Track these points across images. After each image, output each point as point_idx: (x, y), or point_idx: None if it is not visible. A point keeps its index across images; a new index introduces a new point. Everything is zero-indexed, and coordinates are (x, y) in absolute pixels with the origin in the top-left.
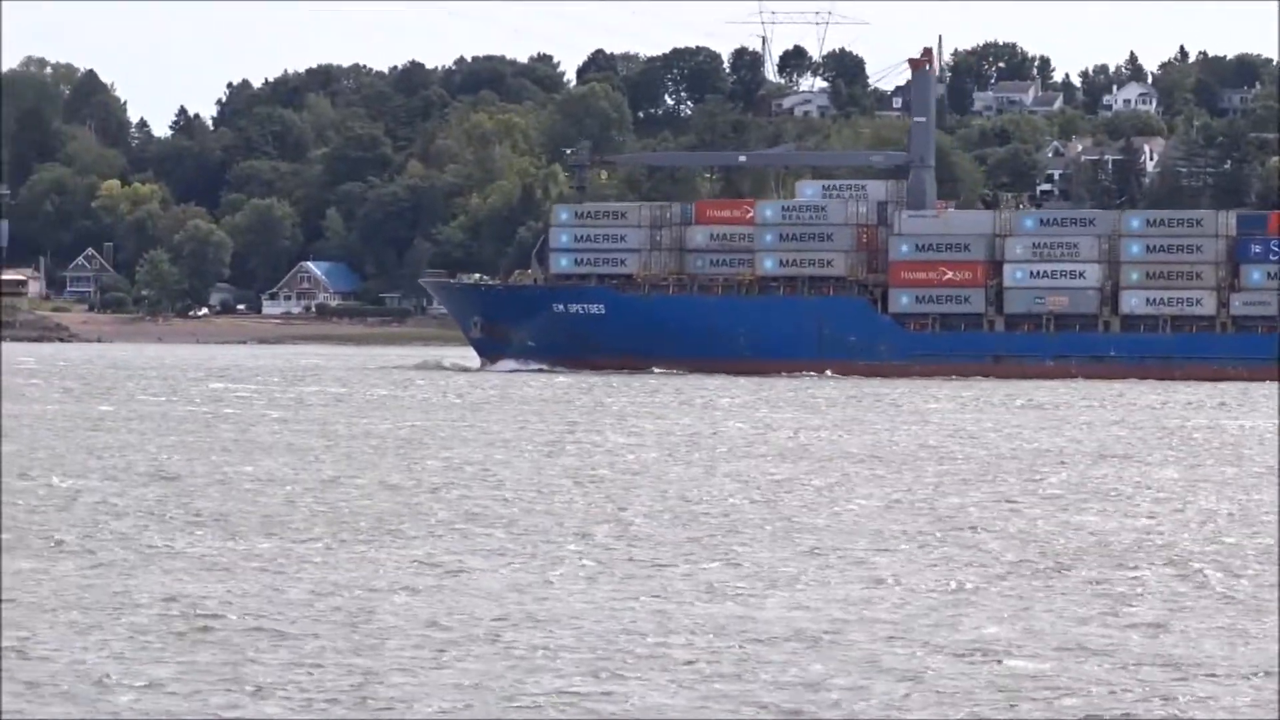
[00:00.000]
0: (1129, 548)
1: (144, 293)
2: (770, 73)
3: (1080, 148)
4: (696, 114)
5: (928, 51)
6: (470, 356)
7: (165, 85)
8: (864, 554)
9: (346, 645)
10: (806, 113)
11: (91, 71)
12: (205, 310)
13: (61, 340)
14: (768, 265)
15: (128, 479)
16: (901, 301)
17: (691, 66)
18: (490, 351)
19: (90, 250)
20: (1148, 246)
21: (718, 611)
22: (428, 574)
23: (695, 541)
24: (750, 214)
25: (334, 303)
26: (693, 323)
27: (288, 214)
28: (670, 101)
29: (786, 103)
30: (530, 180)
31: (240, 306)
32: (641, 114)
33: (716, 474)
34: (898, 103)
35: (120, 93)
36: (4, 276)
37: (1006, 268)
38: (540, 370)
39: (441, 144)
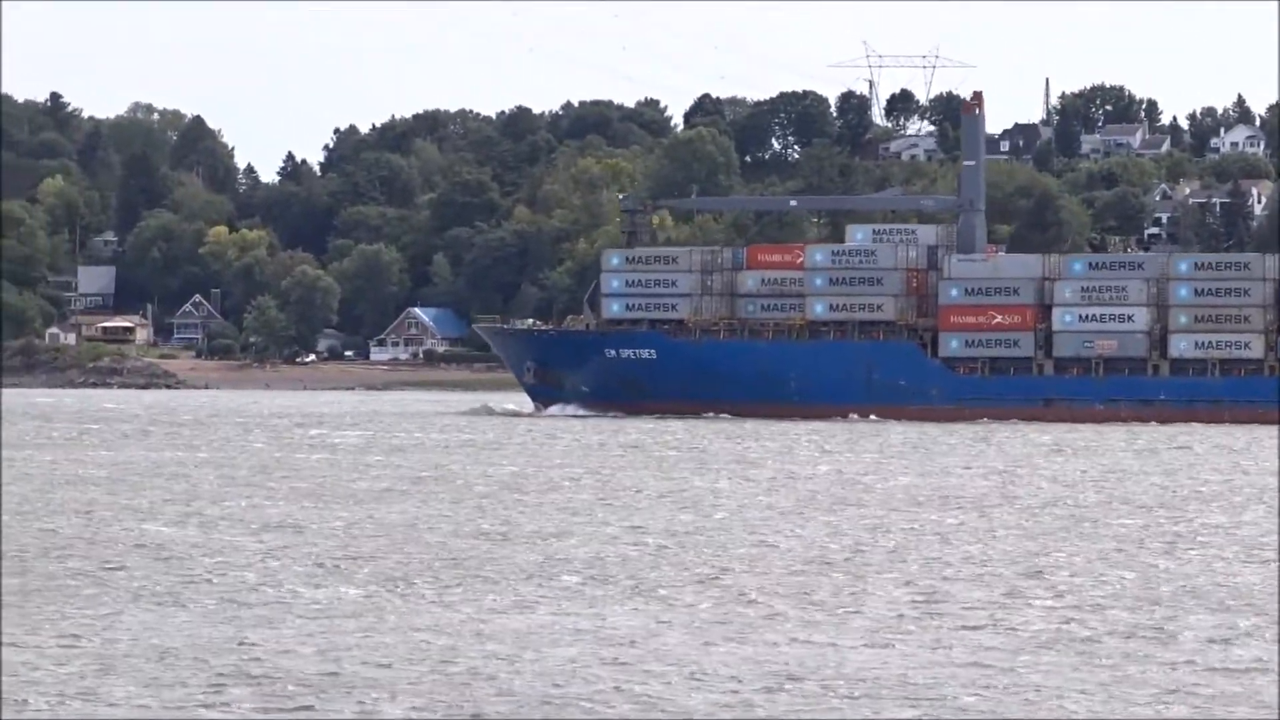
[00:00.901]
0: None
1: (251, 339)
2: (877, 116)
3: (1188, 190)
4: (804, 158)
5: (977, 95)
6: (522, 401)
7: (273, 131)
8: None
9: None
10: (914, 156)
11: (199, 117)
12: (312, 357)
13: (169, 387)
14: (818, 310)
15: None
16: (951, 345)
17: (798, 110)
18: (543, 396)
19: (198, 297)
20: (1196, 290)
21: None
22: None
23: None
24: (801, 259)
25: (441, 348)
26: (744, 367)
27: (395, 259)
28: (777, 145)
29: (894, 146)
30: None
31: (348, 353)
32: (749, 158)
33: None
34: (1005, 145)
35: (227, 138)
36: (111, 323)
37: (1055, 311)
38: (592, 416)
39: (548, 189)
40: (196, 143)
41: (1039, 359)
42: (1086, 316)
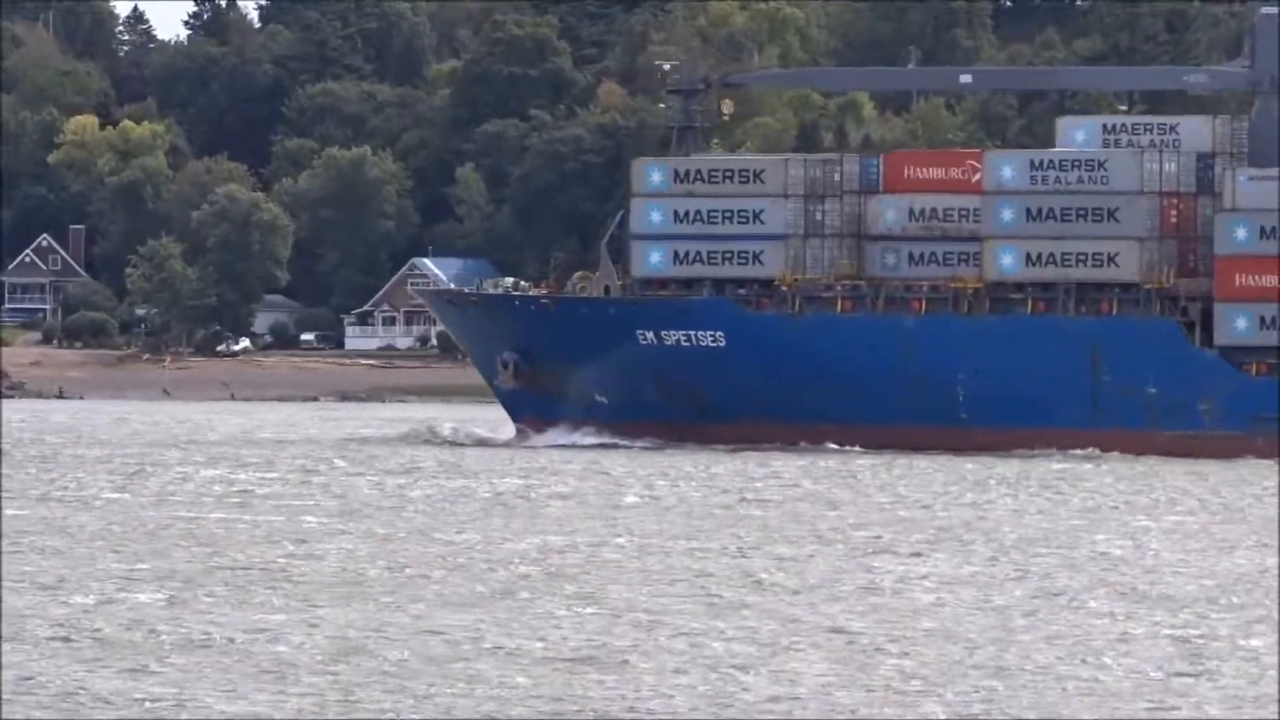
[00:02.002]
0: None
1: (140, 313)
2: None
3: None
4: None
5: None
6: (493, 420)
7: None
8: None
9: None
10: None
11: None
12: (244, 343)
13: None
14: (1005, 263)
15: None
16: (1236, 326)
17: None
18: (530, 411)
19: (46, 239)
20: None
21: None
22: None
23: None
24: (977, 175)
25: None
26: (877, 362)
27: (390, 174)
28: None
29: None
30: (814, 116)
31: (306, 337)
32: (1008, 1)
33: None
34: None
35: None
36: None
37: None
38: (615, 445)
39: (657, 53)
40: None
41: None
42: None
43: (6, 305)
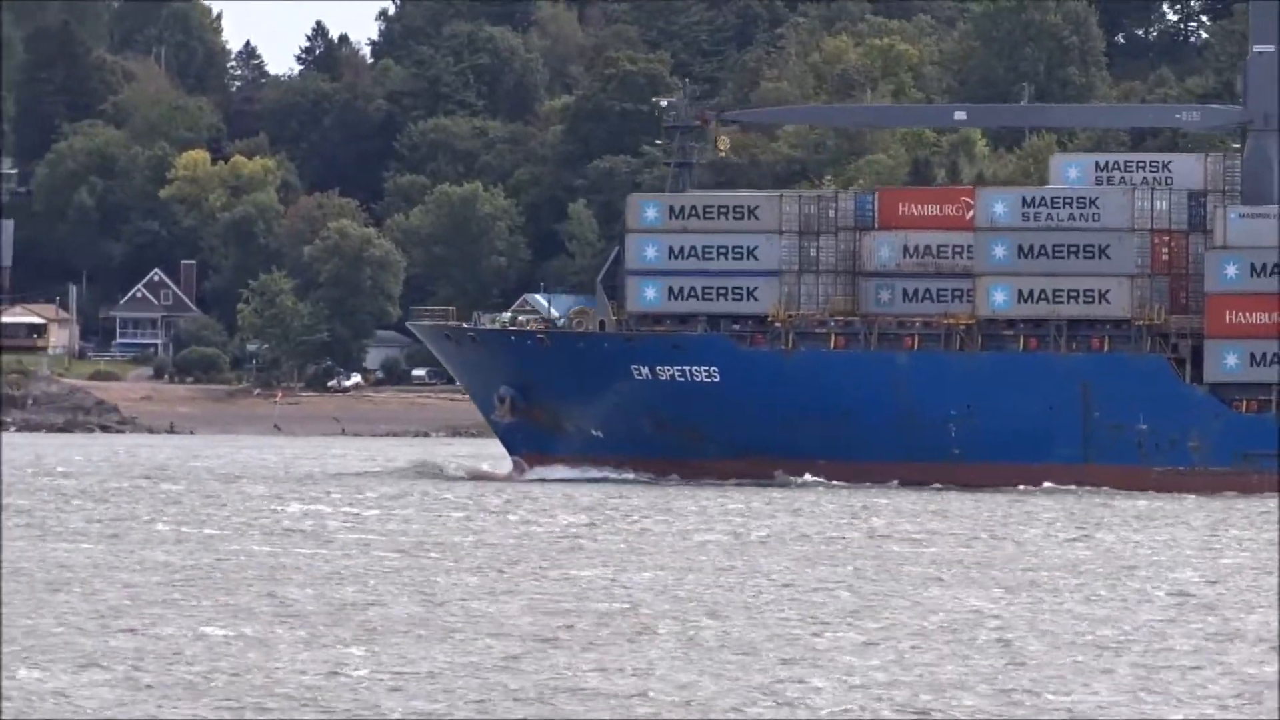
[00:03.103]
0: None
1: (251, 348)
2: None
3: None
4: (1217, 36)
5: None
6: (490, 454)
7: None
8: None
9: None
10: None
11: None
12: (356, 379)
13: (105, 429)
14: (997, 300)
15: None
16: (1226, 363)
17: None
18: (527, 446)
19: (157, 273)
20: None
21: None
22: None
23: None
24: (970, 212)
25: None
26: (871, 399)
27: (502, 210)
28: (1171, 15)
29: None
30: (927, 153)
31: (418, 372)
32: (1121, 37)
33: None
34: None
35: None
36: (6, 318)
37: None
38: (610, 480)
39: (770, 89)
40: (156, 7)
41: None
42: None
43: (118, 340)
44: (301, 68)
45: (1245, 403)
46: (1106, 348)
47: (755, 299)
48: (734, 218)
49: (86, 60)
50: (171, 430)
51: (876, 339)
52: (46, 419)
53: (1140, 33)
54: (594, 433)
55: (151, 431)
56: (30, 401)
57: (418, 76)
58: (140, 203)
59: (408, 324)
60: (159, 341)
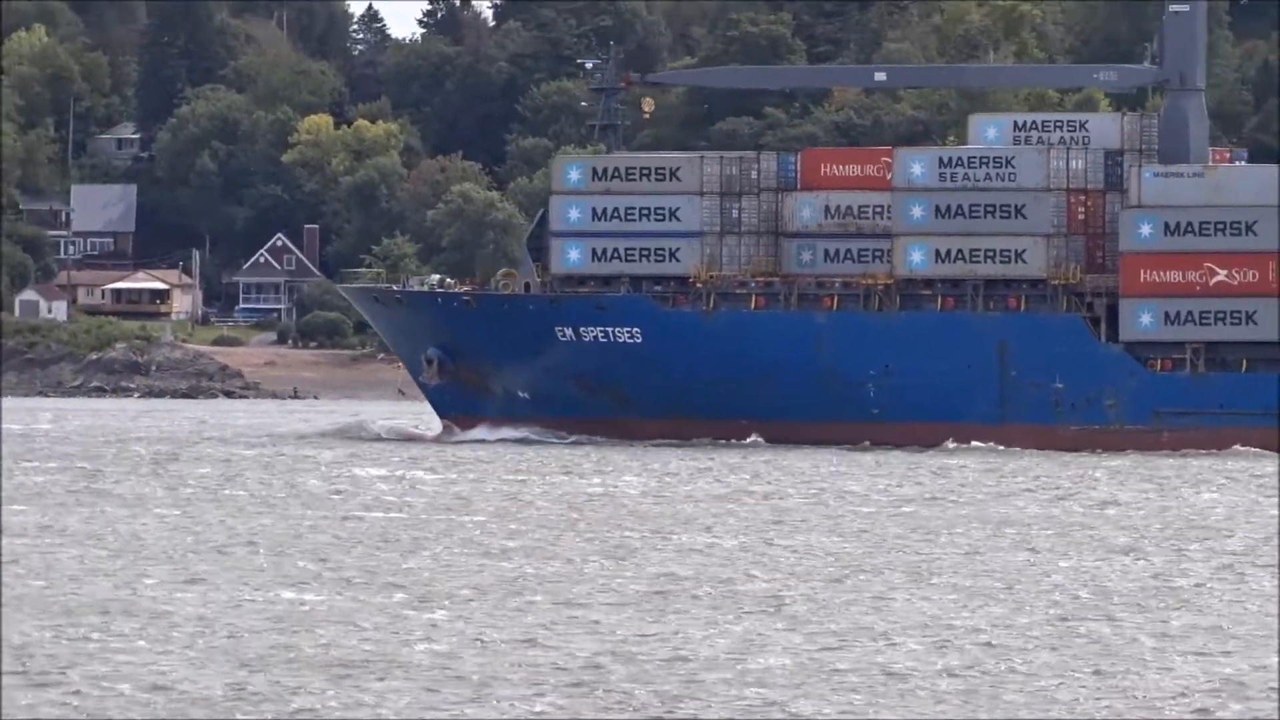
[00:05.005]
0: None
1: None
2: None
3: None
4: None
5: None
6: (418, 414)
7: None
8: None
9: None
10: None
11: None
12: None
13: (229, 394)
14: (915, 260)
15: None
16: (1141, 321)
17: None
18: (456, 407)
19: (280, 238)
20: None
21: None
22: None
23: None
24: (889, 172)
25: None
26: (791, 359)
27: None
28: None
29: None
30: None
31: None
32: None
33: None
34: None
35: None
36: (128, 284)
37: None
38: (541, 441)
39: (895, 49)
40: None
41: None
42: None
43: (241, 305)
44: (424, 31)
45: (1160, 361)
46: (1023, 307)
47: (677, 260)
48: (656, 179)
49: (209, 24)
50: (295, 395)
51: (796, 299)
52: (170, 385)
53: None
54: (521, 394)
55: (275, 397)
56: (154, 367)
57: (539, 39)
58: (263, 167)
59: (338, 286)
60: (282, 307)
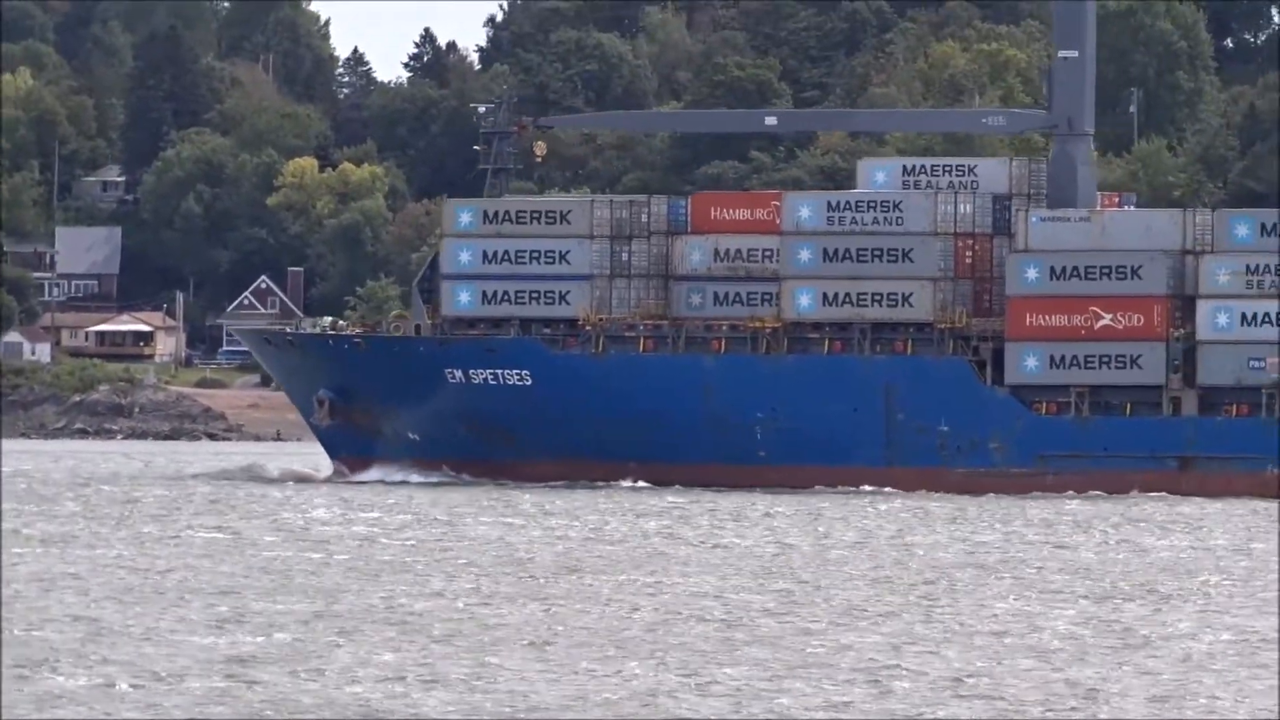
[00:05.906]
0: None
1: None
2: None
3: None
4: None
5: None
6: (310, 455)
7: None
8: None
9: None
10: None
11: None
12: None
13: (212, 436)
14: (802, 304)
15: None
16: (1026, 365)
17: None
18: (347, 449)
19: (264, 280)
20: None
21: None
22: None
23: None
24: (777, 217)
25: None
26: (679, 402)
27: None
28: None
29: None
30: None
31: None
32: (1229, 42)
33: None
34: None
35: (317, 5)
36: (113, 325)
37: (1203, 308)
38: (424, 483)
39: (879, 94)
40: (263, 13)
41: (1173, 389)
42: (1253, 317)
43: (225, 347)
44: (409, 74)
45: (1045, 404)
46: (910, 351)
47: (567, 303)
48: (546, 222)
49: (195, 67)
50: (278, 437)
51: (684, 342)
52: (153, 427)
53: (1249, 37)
54: (411, 436)
55: (258, 439)
56: (137, 410)
57: (525, 83)
58: (248, 210)
59: (229, 329)
60: None
